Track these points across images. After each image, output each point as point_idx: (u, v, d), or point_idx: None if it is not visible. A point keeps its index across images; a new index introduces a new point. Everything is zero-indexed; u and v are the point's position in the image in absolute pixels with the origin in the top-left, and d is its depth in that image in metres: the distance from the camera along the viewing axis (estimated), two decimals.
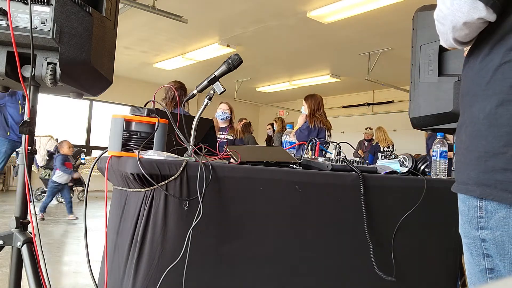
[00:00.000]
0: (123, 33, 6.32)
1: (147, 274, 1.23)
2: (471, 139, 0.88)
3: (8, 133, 4.82)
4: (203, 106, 1.42)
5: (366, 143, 7.79)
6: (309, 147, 2.06)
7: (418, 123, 2.20)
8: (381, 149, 7.30)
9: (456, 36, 0.88)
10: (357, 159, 1.81)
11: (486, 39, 0.88)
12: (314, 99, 3.89)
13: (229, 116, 4.17)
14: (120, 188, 1.39)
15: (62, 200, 6.58)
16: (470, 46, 0.95)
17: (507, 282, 0.33)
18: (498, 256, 0.86)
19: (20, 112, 4.87)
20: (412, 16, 2.21)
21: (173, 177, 1.25)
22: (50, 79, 1.19)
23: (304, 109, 3.88)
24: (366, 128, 8.26)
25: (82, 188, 7.20)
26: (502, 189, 0.81)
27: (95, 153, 9.32)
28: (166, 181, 1.24)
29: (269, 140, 7.95)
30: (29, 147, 1.28)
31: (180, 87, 3.72)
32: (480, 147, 0.85)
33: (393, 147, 7.34)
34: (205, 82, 1.46)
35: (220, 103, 4.27)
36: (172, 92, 3.62)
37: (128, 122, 1.29)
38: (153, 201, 1.25)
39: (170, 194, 1.25)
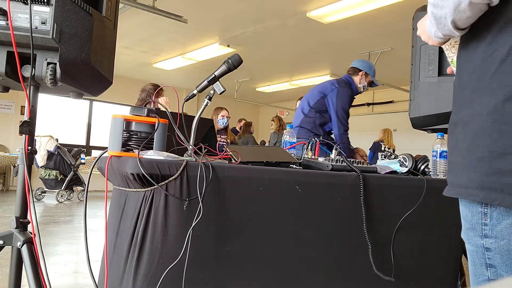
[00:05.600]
0: (123, 33, 6.32)
1: (147, 274, 1.23)
2: (472, 138, 0.79)
3: None
4: (203, 106, 1.42)
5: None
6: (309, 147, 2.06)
7: (418, 123, 2.19)
8: (382, 148, 7.26)
9: (457, 19, 0.77)
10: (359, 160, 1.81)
11: (487, 26, 0.78)
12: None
13: (228, 122, 4.65)
14: (120, 188, 1.39)
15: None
16: (459, 40, 0.87)
17: (507, 282, 0.32)
18: (503, 266, 0.78)
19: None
20: (412, 16, 2.21)
21: (173, 177, 1.25)
22: (50, 79, 1.19)
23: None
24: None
25: (82, 188, 7.21)
26: (509, 193, 0.73)
27: (95, 153, 9.33)
28: (166, 181, 1.24)
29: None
30: (29, 147, 1.28)
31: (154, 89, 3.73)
32: (483, 147, 0.77)
33: (393, 151, 7.25)
34: (205, 82, 1.46)
35: (223, 109, 4.63)
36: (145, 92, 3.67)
37: (128, 122, 1.29)
38: (153, 201, 1.25)
39: (170, 194, 1.25)
